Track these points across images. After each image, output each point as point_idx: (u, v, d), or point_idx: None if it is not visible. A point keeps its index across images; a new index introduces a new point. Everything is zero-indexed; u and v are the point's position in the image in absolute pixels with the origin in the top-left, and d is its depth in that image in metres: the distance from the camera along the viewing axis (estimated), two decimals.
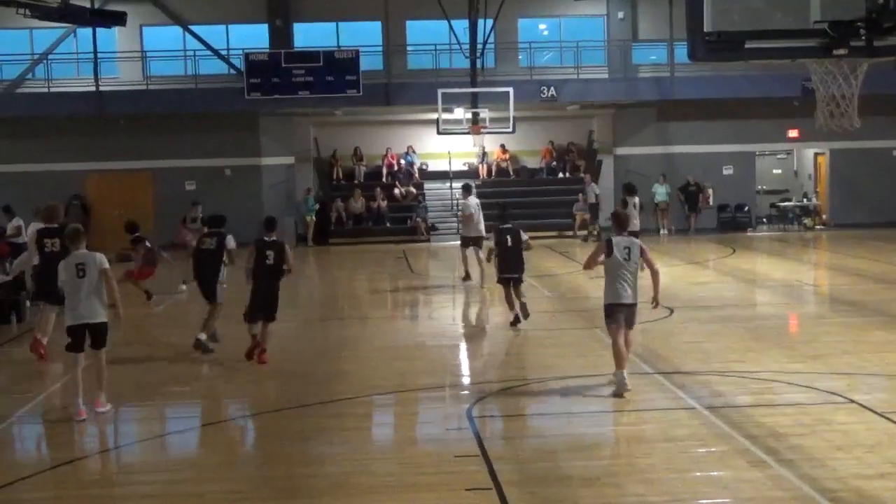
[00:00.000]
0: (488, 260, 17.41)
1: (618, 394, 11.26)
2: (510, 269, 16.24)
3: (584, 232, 32.03)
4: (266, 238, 13.90)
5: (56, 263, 11.45)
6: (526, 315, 16.07)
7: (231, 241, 14.55)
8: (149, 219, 32.78)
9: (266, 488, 8.56)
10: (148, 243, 19.11)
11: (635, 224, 19.61)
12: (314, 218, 33.20)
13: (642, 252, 11.71)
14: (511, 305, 16.22)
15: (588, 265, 12.24)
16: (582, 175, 33.85)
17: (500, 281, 16.45)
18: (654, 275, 11.81)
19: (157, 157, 33.41)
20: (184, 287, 20.69)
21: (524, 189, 34.55)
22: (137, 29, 33.97)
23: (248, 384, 12.69)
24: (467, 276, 21.38)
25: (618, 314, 11.58)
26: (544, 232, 31.65)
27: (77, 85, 33.50)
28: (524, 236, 16.42)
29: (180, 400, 12.17)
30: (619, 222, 11.98)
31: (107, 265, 11.03)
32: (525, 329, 15.94)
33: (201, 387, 12.82)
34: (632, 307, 11.66)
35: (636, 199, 21.95)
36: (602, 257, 11.69)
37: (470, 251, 21.57)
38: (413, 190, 34.73)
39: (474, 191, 22.92)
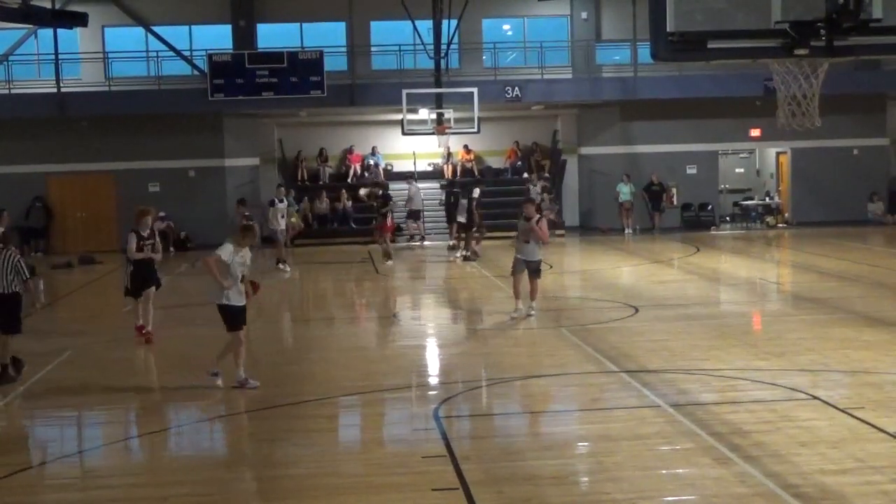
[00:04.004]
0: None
1: (514, 317, 16.35)
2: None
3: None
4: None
5: None
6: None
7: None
8: (112, 221, 32.60)
9: (232, 491, 8.52)
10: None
11: (462, 216, 27.21)
12: (298, 219, 31.99)
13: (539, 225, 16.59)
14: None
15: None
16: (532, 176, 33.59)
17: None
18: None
19: (120, 159, 33.06)
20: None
21: (489, 189, 34.50)
22: (99, 30, 33.70)
23: (214, 387, 12.61)
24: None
25: (521, 266, 16.59)
26: (508, 231, 31.67)
27: (38, 86, 33.20)
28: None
29: (145, 403, 12.09)
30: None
31: (212, 255, 12.11)
32: (492, 328, 16.28)
33: (166, 389, 12.72)
34: (532, 262, 16.60)
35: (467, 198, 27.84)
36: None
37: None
38: (378, 191, 34.63)
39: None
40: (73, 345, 15.15)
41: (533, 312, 16.60)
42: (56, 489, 8.86)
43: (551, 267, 23.58)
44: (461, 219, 27.41)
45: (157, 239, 15.89)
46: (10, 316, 12.98)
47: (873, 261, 23.96)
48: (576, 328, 15.59)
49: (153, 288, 15.72)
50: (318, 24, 35.24)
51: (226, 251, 12.00)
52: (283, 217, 25.53)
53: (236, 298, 12.10)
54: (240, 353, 12.15)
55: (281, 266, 24.83)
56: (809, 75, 11.41)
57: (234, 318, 12.13)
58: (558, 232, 31.87)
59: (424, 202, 34.14)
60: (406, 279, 24.09)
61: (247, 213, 21.25)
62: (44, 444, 10.46)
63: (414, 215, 31.87)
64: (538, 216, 16.90)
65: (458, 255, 26.89)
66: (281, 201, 25.69)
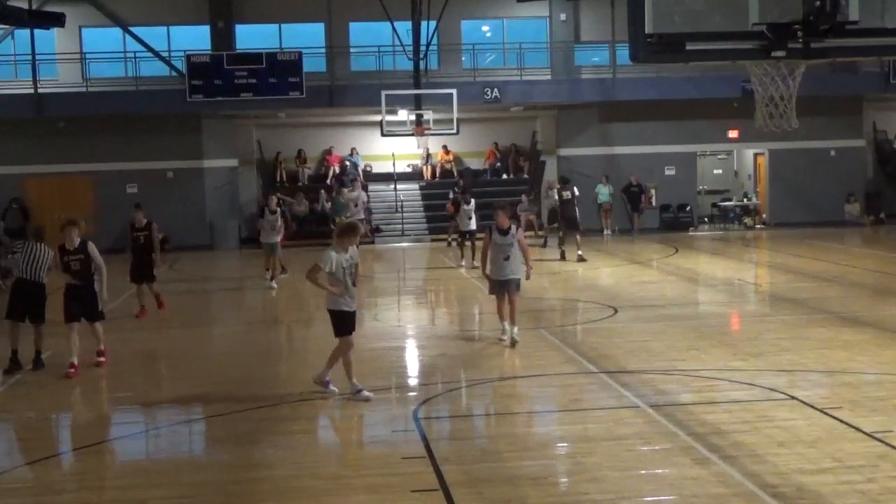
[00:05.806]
0: None
1: (503, 340, 14.39)
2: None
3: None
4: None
5: None
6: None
7: None
8: (90, 222, 32.39)
9: (210, 493, 8.48)
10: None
11: (469, 224, 24.75)
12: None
13: (518, 240, 14.33)
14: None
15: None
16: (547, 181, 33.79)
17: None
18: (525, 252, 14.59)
19: (98, 160, 32.97)
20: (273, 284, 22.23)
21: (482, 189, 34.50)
22: (76, 30, 33.58)
23: (191, 389, 12.58)
24: None
25: (500, 288, 14.34)
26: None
27: (15, 87, 33.04)
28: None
29: (122, 405, 12.03)
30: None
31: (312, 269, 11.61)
32: (471, 329, 16.38)
33: (142, 392, 12.66)
34: (513, 280, 14.27)
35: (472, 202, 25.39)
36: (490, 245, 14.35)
37: None
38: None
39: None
40: (47, 347, 15.03)
41: (518, 339, 14.36)
42: (33, 493, 8.79)
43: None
44: (468, 226, 24.96)
45: (94, 256, 13.82)
46: (40, 306, 13.77)
47: (850, 261, 24.09)
48: (555, 329, 15.62)
49: (95, 323, 13.96)
50: (296, 24, 35.23)
51: (326, 261, 11.50)
52: (273, 230, 22.45)
53: (347, 304, 11.75)
54: (348, 359, 11.77)
55: (268, 282, 22.32)
56: (787, 77, 11.45)
57: (343, 323, 11.80)
58: (539, 233, 31.91)
59: (403, 204, 34.13)
60: (386, 280, 24.05)
61: (148, 221, 18.70)
62: (22, 447, 10.38)
63: None
64: (515, 225, 14.68)
65: (463, 264, 25.02)
66: (273, 213, 22.86)
